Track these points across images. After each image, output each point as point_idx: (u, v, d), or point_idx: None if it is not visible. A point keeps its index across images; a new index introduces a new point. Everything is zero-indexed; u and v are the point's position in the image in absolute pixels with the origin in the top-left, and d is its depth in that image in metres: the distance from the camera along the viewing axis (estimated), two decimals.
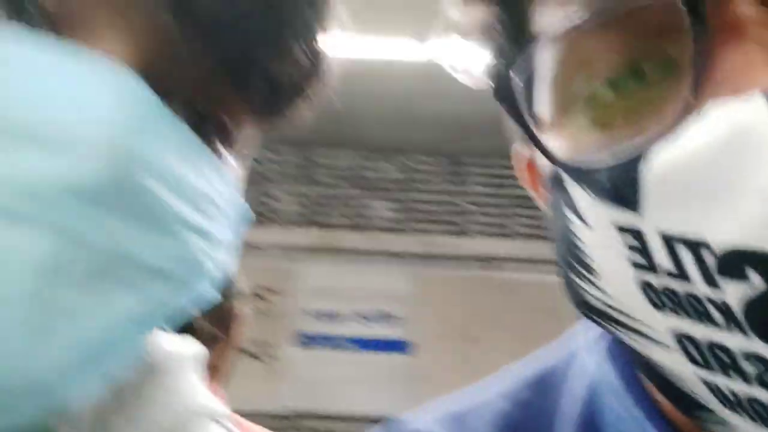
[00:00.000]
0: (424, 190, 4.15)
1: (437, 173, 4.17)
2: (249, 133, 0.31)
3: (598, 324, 0.30)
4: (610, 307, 0.28)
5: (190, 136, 0.26)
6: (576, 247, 0.28)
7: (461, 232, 4.09)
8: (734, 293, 0.21)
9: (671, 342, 0.24)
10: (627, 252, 0.24)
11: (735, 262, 0.20)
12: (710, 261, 0.21)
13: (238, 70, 0.27)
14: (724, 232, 0.20)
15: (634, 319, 0.26)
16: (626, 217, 0.23)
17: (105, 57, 0.23)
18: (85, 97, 0.21)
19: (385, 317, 3.88)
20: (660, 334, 0.25)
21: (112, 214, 0.22)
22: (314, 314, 3.83)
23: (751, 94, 0.20)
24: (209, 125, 0.28)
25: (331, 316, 3.84)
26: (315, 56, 0.30)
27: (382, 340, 3.83)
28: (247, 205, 0.32)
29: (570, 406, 0.37)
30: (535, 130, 0.28)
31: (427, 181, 4.17)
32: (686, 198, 0.21)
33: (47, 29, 0.23)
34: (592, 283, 0.28)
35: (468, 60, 0.35)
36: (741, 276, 0.20)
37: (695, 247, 0.21)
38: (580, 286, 0.29)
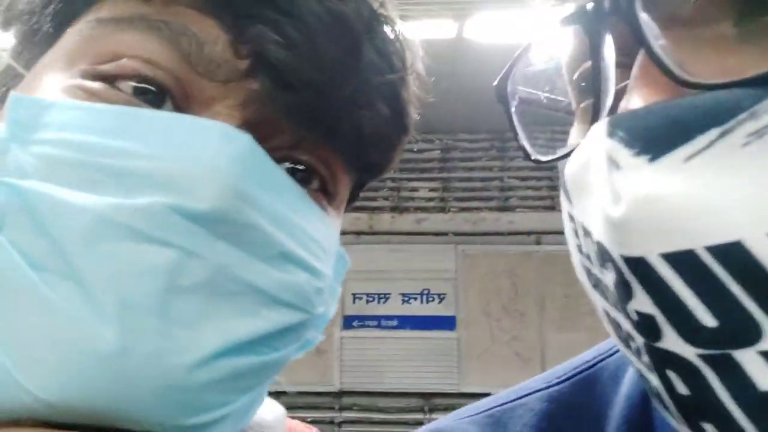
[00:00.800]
0: (465, 167, 4.13)
1: (480, 150, 4.14)
2: (344, 192, 0.33)
3: None
4: None
5: (294, 185, 0.29)
6: None
7: (506, 208, 4.06)
8: (609, 278, 0.24)
9: (605, 321, 0.27)
10: (573, 238, 0.27)
11: (602, 252, 0.24)
12: (593, 248, 0.25)
13: (330, 127, 0.29)
14: (594, 228, 0.24)
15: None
16: (568, 206, 0.27)
17: (217, 121, 0.26)
18: (206, 150, 0.25)
19: (432, 296, 3.91)
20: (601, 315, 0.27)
21: (222, 240, 0.25)
22: (362, 297, 3.89)
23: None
24: (311, 178, 0.30)
25: (378, 298, 3.89)
26: (399, 109, 0.32)
27: (429, 318, 3.87)
28: (346, 256, 0.34)
29: (621, 407, 0.35)
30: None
31: (469, 159, 4.14)
32: (580, 195, 0.25)
33: (171, 107, 0.27)
34: None
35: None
36: (606, 265, 0.24)
37: (588, 234, 0.25)
38: None
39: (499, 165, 4.13)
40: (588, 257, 0.26)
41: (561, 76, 0.32)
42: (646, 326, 0.23)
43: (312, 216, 0.29)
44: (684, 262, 0.21)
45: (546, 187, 4.07)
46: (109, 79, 0.27)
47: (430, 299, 3.91)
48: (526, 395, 0.39)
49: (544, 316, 3.82)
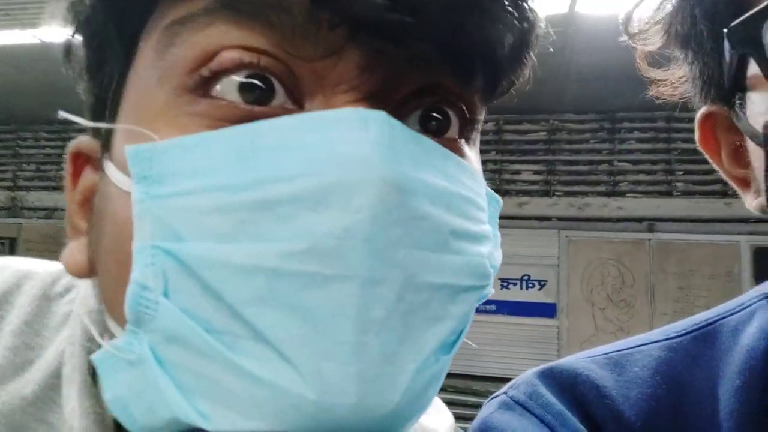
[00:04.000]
0: (573, 150, 3.95)
1: (589, 131, 3.94)
2: (480, 115, 0.30)
3: None
4: None
5: (437, 148, 0.26)
6: None
7: (615, 193, 3.85)
8: None
9: None
10: None
11: None
12: None
13: (461, 60, 0.26)
14: None
15: None
16: None
17: (341, 101, 0.24)
18: (345, 147, 0.22)
19: (532, 282, 3.81)
20: None
21: (397, 249, 0.23)
22: None
23: None
24: (447, 125, 0.27)
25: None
26: (525, 15, 0.27)
27: (528, 304, 3.78)
28: (495, 193, 0.31)
29: (741, 357, 0.35)
30: None
31: (576, 141, 3.96)
32: None
33: (283, 97, 0.25)
34: None
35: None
36: None
37: None
38: None
39: (608, 148, 3.91)
40: None
41: None
42: None
43: (461, 174, 0.27)
44: None
45: (661, 171, 3.80)
46: (211, 81, 0.24)
47: (531, 285, 3.82)
48: (645, 344, 0.40)
49: (655, 308, 3.60)
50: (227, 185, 0.23)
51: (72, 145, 0.30)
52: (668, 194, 3.74)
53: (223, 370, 0.22)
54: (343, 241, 0.22)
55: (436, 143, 0.26)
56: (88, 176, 0.29)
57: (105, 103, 0.28)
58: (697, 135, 0.37)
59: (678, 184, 3.73)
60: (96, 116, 0.29)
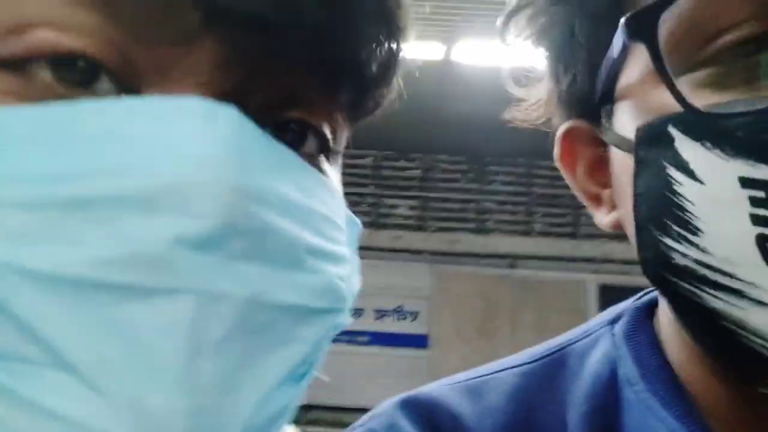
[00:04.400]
0: (445, 189, 4.16)
1: (460, 172, 4.18)
2: (342, 135, 0.28)
3: (671, 290, 0.30)
4: (707, 267, 0.28)
5: (293, 158, 0.23)
6: (676, 206, 0.28)
7: (482, 230, 4.09)
8: None
9: None
10: (749, 206, 0.26)
11: None
12: None
13: (327, 71, 0.24)
14: None
15: (737, 279, 0.27)
16: (756, 170, 0.25)
17: (187, 95, 0.20)
18: (186, 142, 0.19)
19: (405, 313, 3.90)
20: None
21: (241, 262, 0.20)
22: None
23: None
24: (305, 139, 0.25)
25: (351, 312, 3.87)
26: (396, 34, 0.26)
27: (401, 335, 3.85)
28: (356, 219, 0.29)
29: (587, 383, 0.37)
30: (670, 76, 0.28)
31: (449, 180, 4.17)
32: None
33: (108, 85, 0.21)
34: (690, 243, 0.28)
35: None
36: None
37: None
38: (670, 247, 0.29)
39: (477, 188, 4.17)
40: None
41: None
42: None
43: (319, 189, 0.24)
44: None
45: (522, 212, 4.12)
46: (20, 63, 0.20)
47: (403, 317, 3.90)
48: (503, 370, 0.41)
49: (516, 340, 3.83)
50: (31, 175, 0.19)
51: None
52: (527, 234, 4.05)
53: (5, 405, 0.18)
54: (177, 250, 0.18)
55: (292, 152, 0.23)
56: None
57: None
58: (556, 151, 0.37)
59: (536, 225, 4.06)
60: None
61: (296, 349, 0.22)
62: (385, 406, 0.40)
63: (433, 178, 4.18)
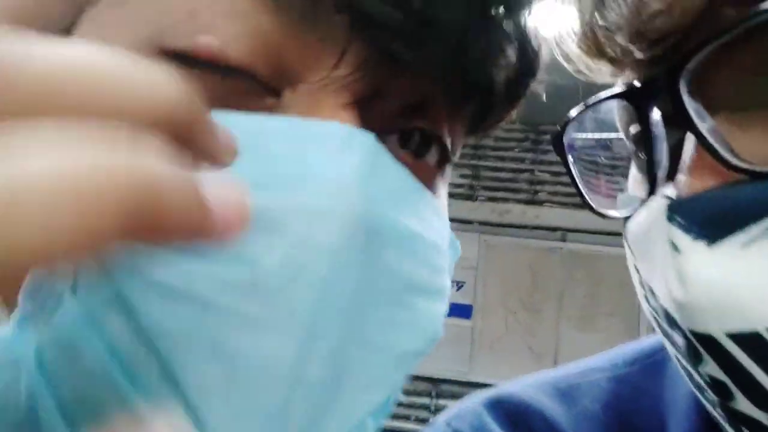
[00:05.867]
0: (498, 157, 4.08)
1: (515, 140, 4.09)
2: (458, 146, 0.28)
3: None
4: None
5: (415, 184, 0.23)
6: None
7: (534, 202, 4.01)
8: (678, 339, 0.26)
9: (678, 366, 0.29)
10: (639, 288, 0.29)
11: (670, 318, 0.26)
12: (660, 309, 0.26)
13: (460, 84, 0.24)
14: (660, 294, 0.26)
15: None
16: (632, 258, 0.29)
17: (324, 119, 0.21)
18: (314, 165, 0.19)
19: (451, 283, 3.91)
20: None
21: (348, 298, 0.19)
22: None
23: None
24: (427, 149, 0.25)
25: None
26: (527, 51, 0.26)
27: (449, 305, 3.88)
28: (456, 242, 0.29)
29: (688, 399, 0.35)
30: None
31: (502, 149, 4.09)
32: (644, 257, 0.27)
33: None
34: None
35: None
36: (674, 329, 0.26)
37: (654, 295, 0.26)
38: None
39: (531, 157, 4.08)
40: (656, 311, 0.27)
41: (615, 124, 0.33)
42: (719, 389, 0.24)
43: (432, 215, 0.24)
44: (750, 341, 0.22)
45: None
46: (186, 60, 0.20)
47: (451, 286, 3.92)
48: (591, 373, 0.40)
49: (561, 314, 3.79)
50: None
51: None
52: (581, 206, 3.95)
53: (113, 402, 0.18)
54: (294, 281, 0.18)
55: (416, 181, 0.23)
56: None
57: None
58: None
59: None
60: None
61: (383, 392, 0.22)
62: (470, 405, 0.39)
63: (485, 146, 4.11)
